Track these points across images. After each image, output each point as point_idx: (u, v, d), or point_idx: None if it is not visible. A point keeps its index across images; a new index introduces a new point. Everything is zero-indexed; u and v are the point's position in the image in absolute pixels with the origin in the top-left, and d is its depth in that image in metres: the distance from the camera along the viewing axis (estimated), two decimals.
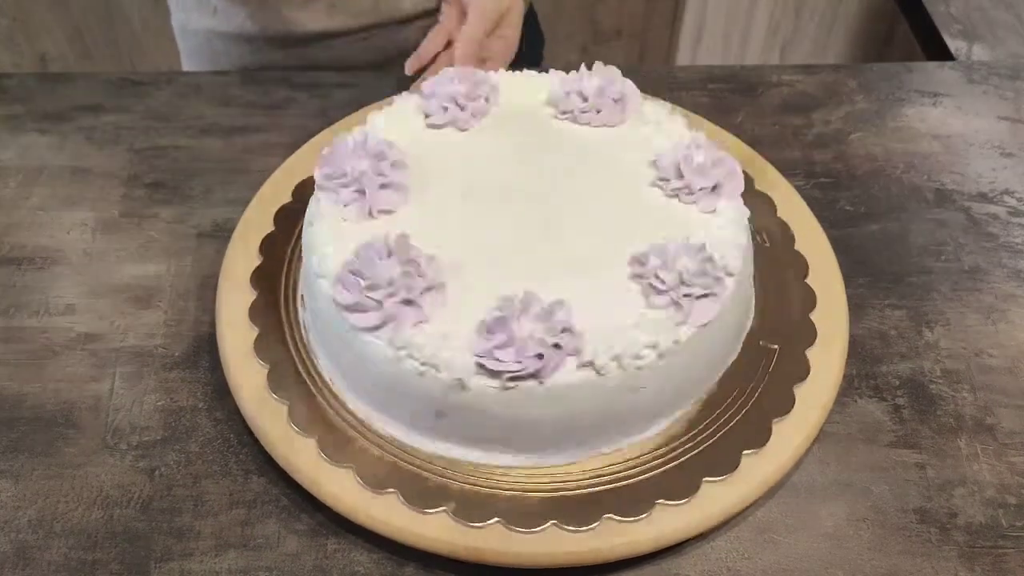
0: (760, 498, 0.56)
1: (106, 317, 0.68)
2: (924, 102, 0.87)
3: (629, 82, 0.68)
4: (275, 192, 0.71)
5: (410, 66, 0.76)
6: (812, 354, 0.61)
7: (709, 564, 0.56)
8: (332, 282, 0.56)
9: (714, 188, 0.61)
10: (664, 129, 0.66)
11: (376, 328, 0.54)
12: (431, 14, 0.88)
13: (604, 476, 0.56)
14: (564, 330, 0.52)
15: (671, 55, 1.72)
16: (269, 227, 0.69)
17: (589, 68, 0.68)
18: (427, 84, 0.68)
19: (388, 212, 0.61)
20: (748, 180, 0.70)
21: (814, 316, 0.64)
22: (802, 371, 0.61)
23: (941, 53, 0.98)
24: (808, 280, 0.66)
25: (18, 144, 0.81)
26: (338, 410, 0.58)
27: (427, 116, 0.67)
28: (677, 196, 0.61)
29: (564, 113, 0.67)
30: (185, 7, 0.90)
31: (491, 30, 0.74)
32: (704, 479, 0.55)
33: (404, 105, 0.68)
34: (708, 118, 0.78)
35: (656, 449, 0.57)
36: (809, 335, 0.62)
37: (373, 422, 0.58)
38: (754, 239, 0.66)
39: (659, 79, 0.70)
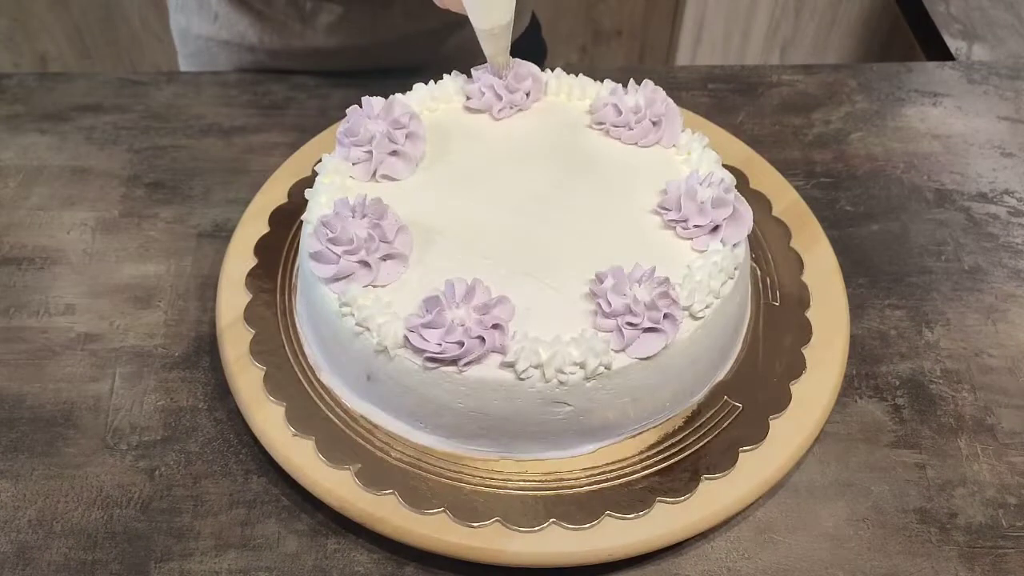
0: (760, 498, 0.56)
1: (106, 317, 0.68)
2: (924, 102, 0.87)
3: (673, 106, 0.66)
4: (275, 192, 0.71)
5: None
6: (812, 354, 0.61)
7: (709, 564, 0.56)
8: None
9: (714, 229, 0.59)
10: (691, 160, 0.64)
11: (330, 280, 0.56)
12: (433, 33, 0.88)
13: (605, 473, 0.56)
14: (495, 326, 0.52)
15: (671, 55, 1.72)
16: (269, 227, 0.69)
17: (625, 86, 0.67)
18: (477, 69, 0.68)
19: (390, 179, 0.62)
20: (761, 200, 0.71)
21: (814, 316, 0.64)
22: (802, 371, 0.61)
23: (941, 53, 0.98)
24: (808, 280, 0.66)
25: (18, 144, 0.81)
26: (335, 410, 0.58)
27: (467, 98, 0.68)
28: (674, 228, 0.60)
29: (599, 124, 0.66)
30: (186, 11, 0.90)
31: None
32: (703, 477, 0.56)
33: (451, 83, 0.69)
34: (708, 118, 0.78)
35: (656, 444, 0.57)
36: (808, 335, 0.63)
37: (347, 401, 0.59)
38: (762, 292, 0.66)
39: (659, 79, 0.70)
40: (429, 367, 0.53)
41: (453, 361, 0.52)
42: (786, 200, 0.72)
